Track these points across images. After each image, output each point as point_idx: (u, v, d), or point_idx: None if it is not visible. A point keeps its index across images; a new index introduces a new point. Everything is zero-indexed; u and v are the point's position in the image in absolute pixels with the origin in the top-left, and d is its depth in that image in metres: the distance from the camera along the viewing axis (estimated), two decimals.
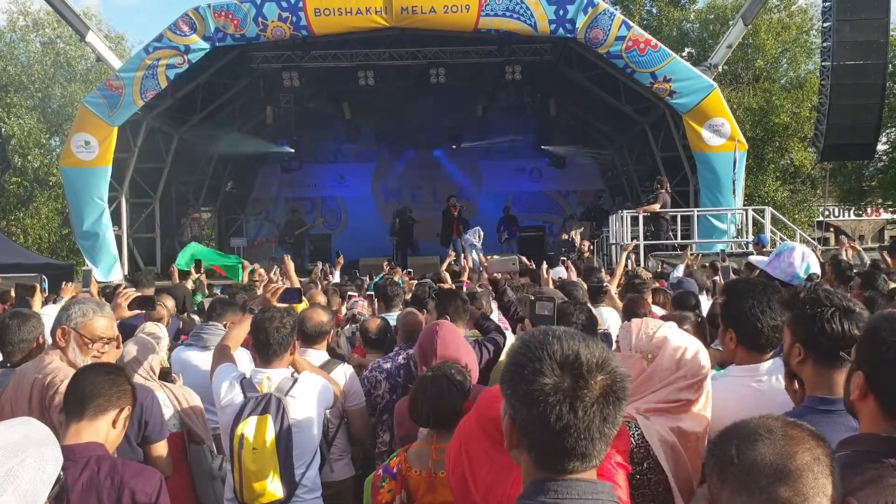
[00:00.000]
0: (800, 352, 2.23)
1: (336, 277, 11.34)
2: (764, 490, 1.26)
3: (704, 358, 2.42)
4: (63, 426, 2.46)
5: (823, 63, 16.77)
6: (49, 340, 3.51)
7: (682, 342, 2.43)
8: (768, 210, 15.59)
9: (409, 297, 6.98)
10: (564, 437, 1.44)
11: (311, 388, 3.65)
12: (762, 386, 2.58)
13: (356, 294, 8.04)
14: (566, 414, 1.42)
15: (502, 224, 21.24)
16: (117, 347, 3.46)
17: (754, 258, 6.00)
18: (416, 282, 9.04)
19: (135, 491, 2.35)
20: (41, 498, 1.35)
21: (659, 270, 11.85)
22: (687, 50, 28.11)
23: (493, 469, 2.12)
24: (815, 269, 4.56)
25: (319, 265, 12.74)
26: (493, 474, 2.12)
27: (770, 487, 1.25)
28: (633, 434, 2.30)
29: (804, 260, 4.49)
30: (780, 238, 16.42)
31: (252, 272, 10.93)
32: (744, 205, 16.25)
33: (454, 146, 22.92)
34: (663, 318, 3.70)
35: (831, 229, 36.17)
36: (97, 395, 2.48)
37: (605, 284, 6.64)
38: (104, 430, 2.48)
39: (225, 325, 5.12)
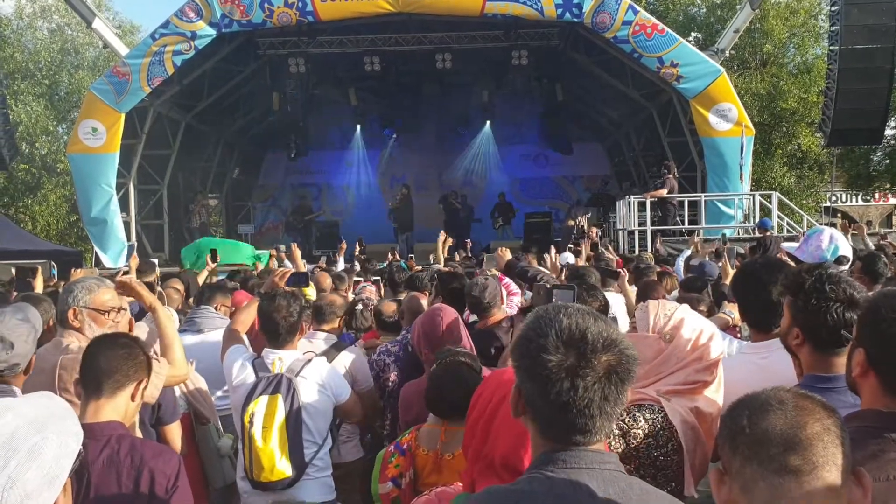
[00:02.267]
0: (798, 335, 2.25)
1: (341, 264, 11.37)
2: (774, 459, 1.28)
3: (718, 339, 2.45)
4: (82, 402, 2.46)
5: (831, 47, 16.69)
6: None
7: (698, 324, 2.46)
8: (775, 195, 15.57)
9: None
10: (565, 412, 1.46)
11: (322, 370, 3.70)
12: (766, 362, 2.61)
13: (362, 279, 8.08)
14: (567, 391, 1.45)
15: (496, 210, 21.26)
16: (130, 328, 3.52)
17: (786, 244, 6.00)
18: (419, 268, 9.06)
19: (154, 471, 2.35)
20: (64, 474, 1.37)
21: (666, 255, 11.85)
22: (694, 34, 27.94)
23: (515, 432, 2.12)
24: (845, 251, 4.53)
25: (323, 259, 12.79)
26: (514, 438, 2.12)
27: (780, 456, 1.27)
28: (658, 416, 2.33)
29: (832, 242, 4.48)
30: (788, 224, 16.41)
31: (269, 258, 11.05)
32: (751, 190, 16.21)
33: (460, 132, 22.88)
34: (678, 300, 3.74)
35: (839, 215, 36.02)
36: (114, 370, 2.46)
37: (620, 270, 6.63)
38: (123, 406, 2.48)
39: (215, 308, 5.21)
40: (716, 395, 2.43)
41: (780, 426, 1.30)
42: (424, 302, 4.96)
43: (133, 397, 2.52)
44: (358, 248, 11.77)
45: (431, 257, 10.22)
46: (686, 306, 2.56)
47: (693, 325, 2.44)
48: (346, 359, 4.28)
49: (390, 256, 12.26)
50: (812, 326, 2.21)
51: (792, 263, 3.64)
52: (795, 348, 2.28)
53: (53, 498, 1.36)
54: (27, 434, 1.34)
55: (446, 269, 6.49)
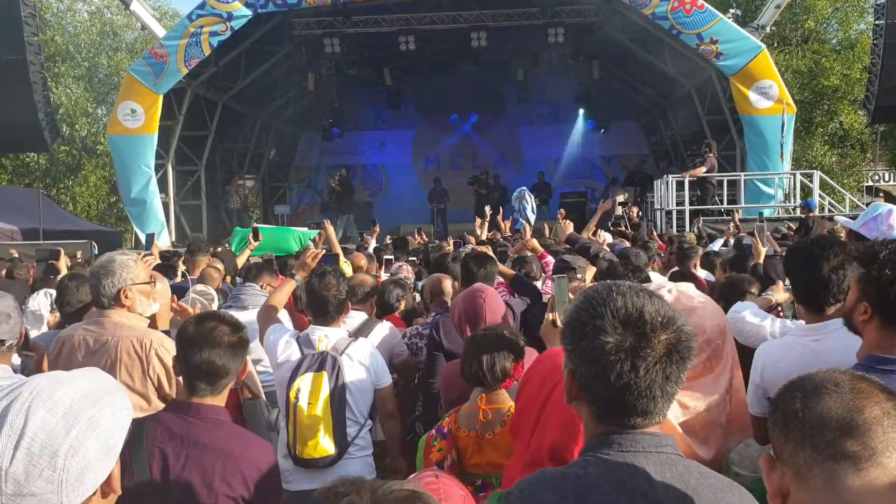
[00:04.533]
0: (866, 310, 2.17)
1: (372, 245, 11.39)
2: (830, 444, 1.23)
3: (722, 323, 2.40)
4: (186, 389, 2.48)
5: (876, 21, 16.27)
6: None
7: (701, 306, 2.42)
8: (816, 174, 15.26)
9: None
10: (625, 394, 1.43)
11: (367, 351, 3.72)
12: (820, 346, 2.55)
13: (398, 259, 8.10)
14: (627, 372, 1.41)
15: (535, 190, 21.05)
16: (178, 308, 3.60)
17: (841, 218, 5.81)
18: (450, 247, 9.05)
19: (250, 462, 2.35)
20: (119, 446, 1.39)
21: (707, 236, 11.71)
22: (733, 11, 27.39)
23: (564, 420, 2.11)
24: None
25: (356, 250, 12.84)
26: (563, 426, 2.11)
27: (836, 441, 1.23)
28: None
29: None
30: (829, 203, 16.10)
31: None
32: (791, 169, 15.93)
33: (495, 111, 22.74)
34: (725, 281, 3.68)
35: (881, 194, 35.27)
36: (226, 372, 2.47)
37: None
38: (227, 393, 2.54)
39: (262, 287, 5.26)
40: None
41: (836, 410, 1.25)
42: (447, 283, 4.95)
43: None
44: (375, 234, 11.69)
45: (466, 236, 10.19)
46: (689, 285, 2.51)
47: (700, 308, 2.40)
48: (381, 331, 4.33)
49: (416, 238, 12.23)
50: (883, 300, 2.13)
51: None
52: (861, 325, 2.19)
53: (109, 469, 1.38)
54: (85, 405, 1.35)
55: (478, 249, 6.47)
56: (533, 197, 9.18)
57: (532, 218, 8.66)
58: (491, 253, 5.55)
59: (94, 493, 1.36)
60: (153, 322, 3.43)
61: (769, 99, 15.01)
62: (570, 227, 5.20)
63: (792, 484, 1.28)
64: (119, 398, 1.45)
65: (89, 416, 1.34)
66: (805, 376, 1.34)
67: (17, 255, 11.13)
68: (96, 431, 1.34)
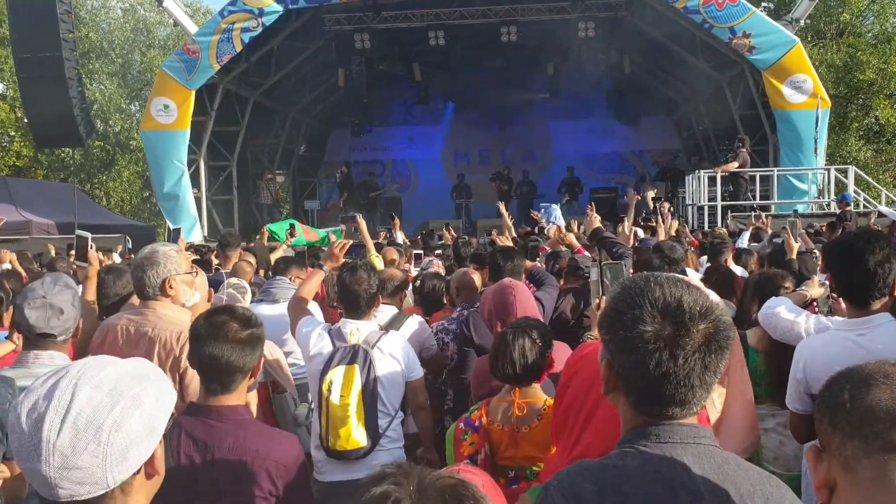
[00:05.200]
0: None
1: (399, 238, 11.42)
2: (879, 435, 1.22)
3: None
4: (202, 388, 2.47)
5: None
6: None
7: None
8: (852, 169, 15.04)
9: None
10: (664, 384, 1.43)
11: (398, 344, 3.74)
12: (866, 340, 2.51)
13: (427, 254, 8.12)
14: (666, 361, 1.41)
15: (563, 186, 20.94)
16: (209, 300, 3.63)
17: (885, 209, 5.74)
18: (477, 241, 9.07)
19: (277, 460, 2.36)
20: (162, 427, 1.42)
21: (737, 231, 11.59)
22: (765, 3, 27.00)
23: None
24: None
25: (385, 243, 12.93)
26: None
27: (886, 433, 1.21)
28: None
29: None
30: (865, 199, 15.86)
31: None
32: (826, 164, 15.69)
33: (524, 106, 22.67)
34: (759, 276, 3.64)
35: None
36: (235, 369, 2.40)
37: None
38: (245, 390, 2.50)
39: (291, 280, 5.31)
40: None
41: (886, 401, 1.24)
42: (476, 277, 4.95)
43: (252, 377, 2.54)
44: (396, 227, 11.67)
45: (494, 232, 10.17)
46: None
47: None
48: (412, 325, 4.34)
49: (445, 233, 12.24)
50: None
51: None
52: None
53: (152, 449, 1.41)
54: (129, 384, 1.39)
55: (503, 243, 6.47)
56: (559, 206, 9.00)
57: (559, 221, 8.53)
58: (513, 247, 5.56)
59: (139, 473, 1.39)
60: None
61: (803, 93, 14.79)
62: (596, 221, 5.13)
63: (839, 476, 1.26)
64: (164, 383, 1.48)
65: (133, 394, 1.37)
66: (853, 367, 1.33)
67: (53, 249, 11.32)
68: (140, 409, 1.37)
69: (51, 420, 1.30)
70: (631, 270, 4.42)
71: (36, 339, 2.77)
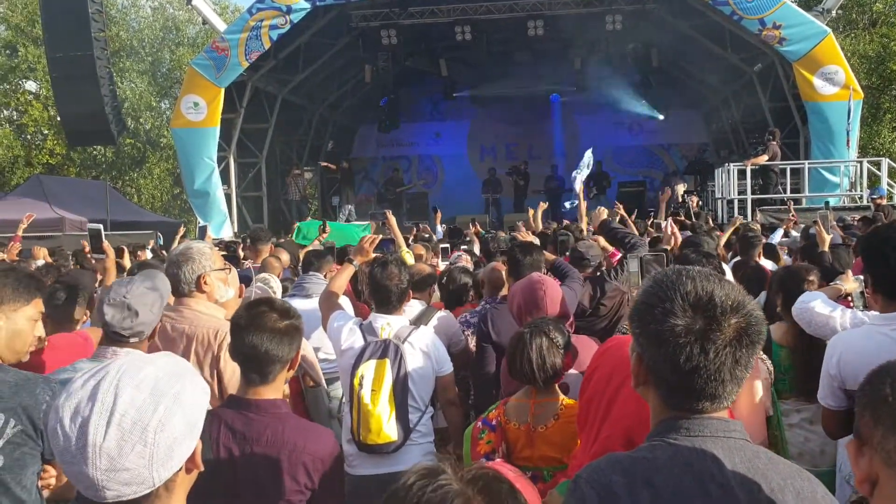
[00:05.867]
0: None
1: (439, 232, 11.46)
2: None
3: None
4: (242, 381, 2.50)
5: None
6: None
7: None
8: (885, 162, 14.76)
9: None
10: (694, 377, 1.43)
11: (428, 339, 3.77)
12: None
13: (454, 249, 8.14)
14: (697, 355, 1.41)
15: (591, 179, 20.76)
16: (240, 295, 3.68)
17: None
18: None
19: (313, 454, 2.39)
20: (200, 422, 1.44)
21: (768, 225, 11.48)
22: None
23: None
24: None
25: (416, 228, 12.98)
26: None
27: None
28: None
29: None
30: None
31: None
32: (858, 157, 15.45)
33: (551, 101, 22.56)
34: (786, 269, 3.60)
35: None
36: (274, 360, 2.44)
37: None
38: (283, 382, 2.54)
39: (324, 275, 5.35)
40: None
41: None
42: (505, 272, 4.96)
43: (291, 369, 2.57)
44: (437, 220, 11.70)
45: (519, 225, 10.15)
46: None
47: None
48: (440, 320, 4.35)
49: (472, 228, 12.25)
50: None
51: None
52: None
53: (193, 446, 1.43)
54: (169, 383, 1.41)
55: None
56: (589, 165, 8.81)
57: (578, 187, 8.31)
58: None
59: (181, 469, 1.42)
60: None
61: (835, 85, 14.55)
62: (604, 213, 5.14)
63: (882, 469, 1.26)
64: (198, 378, 1.50)
65: (174, 393, 1.39)
66: (894, 361, 1.33)
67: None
68: (181, 408, 1.39)
69: (95, 423, 1.32)
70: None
71: (112, 336, 2.78)
